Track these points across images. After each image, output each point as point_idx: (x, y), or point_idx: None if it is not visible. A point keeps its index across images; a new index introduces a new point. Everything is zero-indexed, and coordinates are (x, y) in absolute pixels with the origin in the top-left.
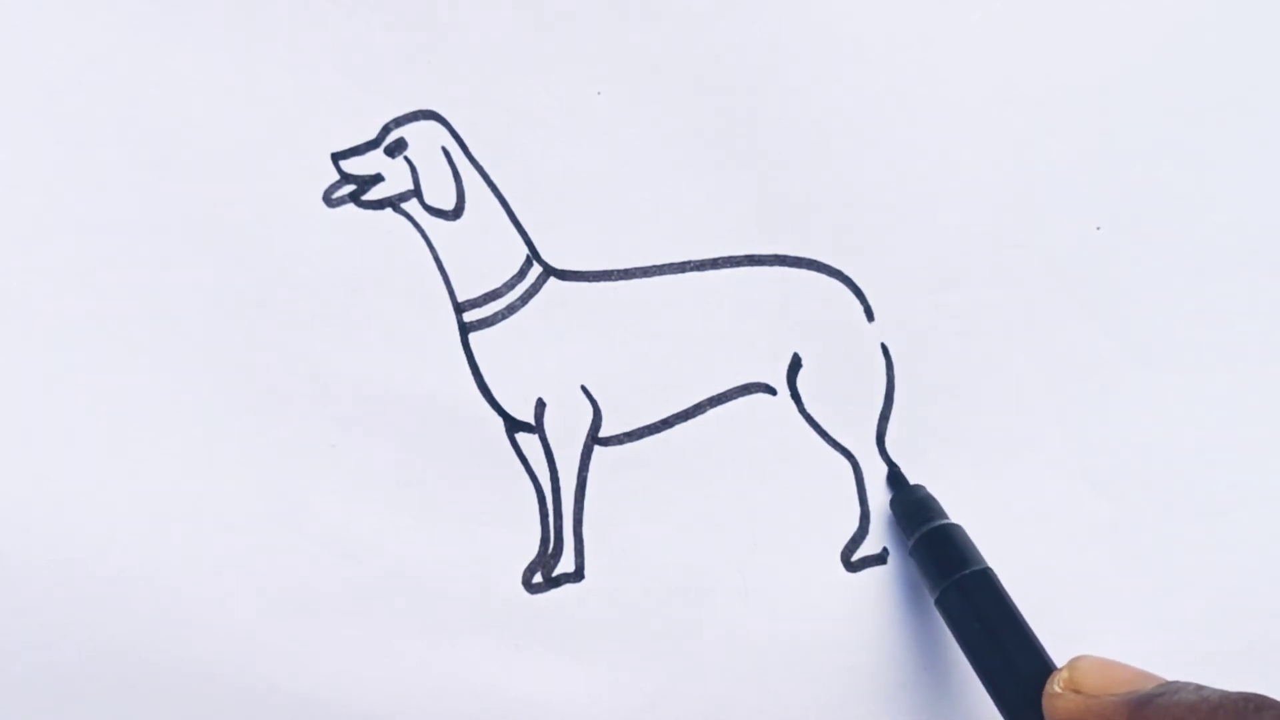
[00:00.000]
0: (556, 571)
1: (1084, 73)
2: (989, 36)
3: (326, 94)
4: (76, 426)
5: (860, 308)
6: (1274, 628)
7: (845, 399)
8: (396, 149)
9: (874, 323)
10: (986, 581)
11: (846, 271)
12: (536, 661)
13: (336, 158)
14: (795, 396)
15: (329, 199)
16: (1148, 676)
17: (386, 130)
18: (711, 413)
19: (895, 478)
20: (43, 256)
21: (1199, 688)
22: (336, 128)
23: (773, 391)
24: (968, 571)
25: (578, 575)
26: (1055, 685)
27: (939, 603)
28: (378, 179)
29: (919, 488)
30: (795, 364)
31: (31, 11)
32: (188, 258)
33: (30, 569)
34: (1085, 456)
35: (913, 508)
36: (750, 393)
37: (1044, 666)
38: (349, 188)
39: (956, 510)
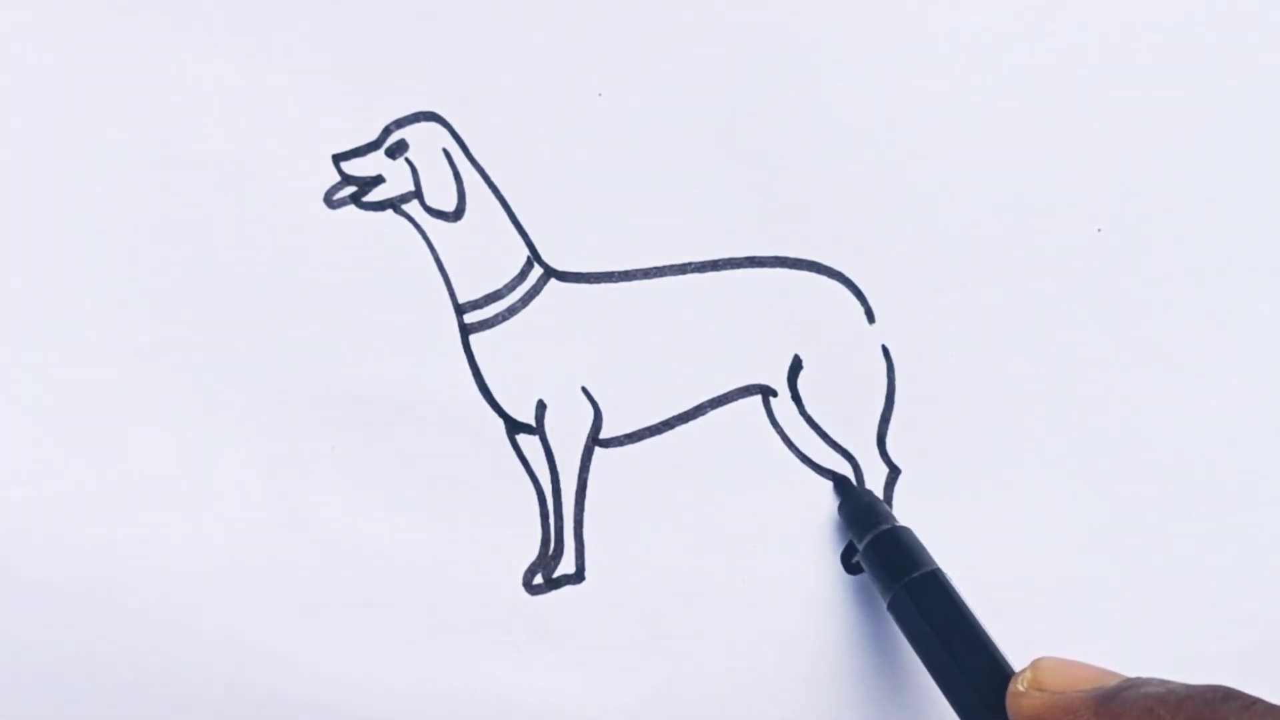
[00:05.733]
0: (557, 573)
1: (1084, 73)
2: (989, 37)
3: (327, 95)
4: (75, 428)
5: (861, 309)
6: (1274, 629)
7: (846, 401)
8: (397, 150)
9: (875, 324)
10: (935, 584)
11: (847, 273)
12: (537, 662)
13: (337, 159)
14: (796, 398)
15: (330, 200)
16: (1110, 674)
17: (387, 132)
18: (712, 414)
19: (841, 484)
20: (43, 257)
21: (1164, 681)
22: (337, 129)
23: (773, 393)
24: (916, 575)
25: (578, 576)
26: (1019, 684)
27: (891, 608)
28: (379, 180)
29: (867, 491)
30: (796, 365)
31: (32, 12)
32: (188, 259)
33: (29, 571)
34: (1085, 457)
35: (861, 512)
36: (751, 394)
37: (997, 668)
38: (350, 189)
39: (956, 511)
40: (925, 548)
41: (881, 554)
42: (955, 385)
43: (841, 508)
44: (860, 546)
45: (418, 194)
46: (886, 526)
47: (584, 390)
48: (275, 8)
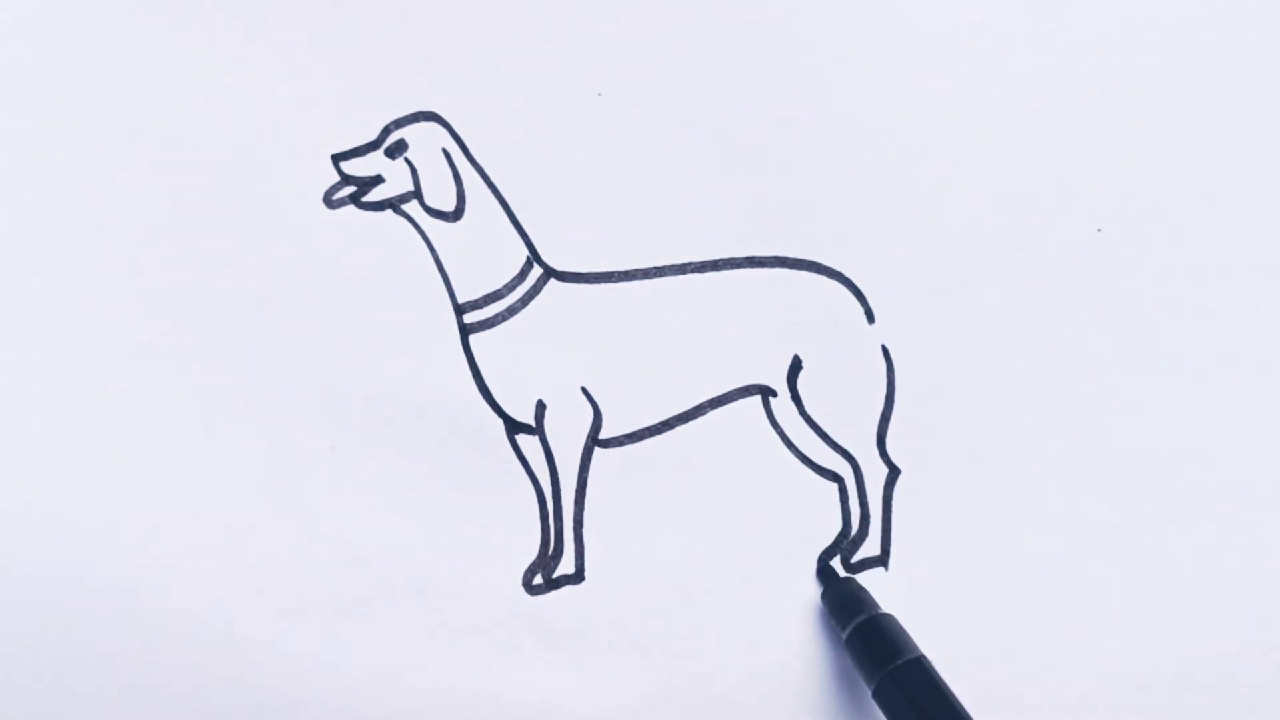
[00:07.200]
0: (557, 573)
1: (1084, 73)
2: (989, 37)
3: (326, 95)
4: (76, 428)
5: (861, 309)
6: (1275, 629)
7: (846, 401)
8: (397, 150)
9: (874, 324)
10: (920, 670)
11: (847, 273)
12: (537, 663)
13: (337, 159)
14: (795, 398)
15: (329, 200)
16: None
17: (387, 132)
18: (712, 414)
19: (825, 572)
20: (43, 258)
21: None
22: (337, 129)
23: (773, 393)
24: (901, 662)
25: (578, 577)
26: None
27: (875, 695)
28: (378, 180)
29: (849, 579)
30: (796, 365)
31: (32, 12)
32: (188, 260)
33: (31, 571)
34: (1085, 457)
35: (844, 600)
36: (751, 394)
37: None
38: (349, 189)
39: (956, 512)
40: (909, 634)
41: (866, 641)
42: (955, 385)
43: (824, 595)
44: (844, 635)
45: (417, 194)
46: (869, 615)
47: (584, 390)
48: (275, 8)
